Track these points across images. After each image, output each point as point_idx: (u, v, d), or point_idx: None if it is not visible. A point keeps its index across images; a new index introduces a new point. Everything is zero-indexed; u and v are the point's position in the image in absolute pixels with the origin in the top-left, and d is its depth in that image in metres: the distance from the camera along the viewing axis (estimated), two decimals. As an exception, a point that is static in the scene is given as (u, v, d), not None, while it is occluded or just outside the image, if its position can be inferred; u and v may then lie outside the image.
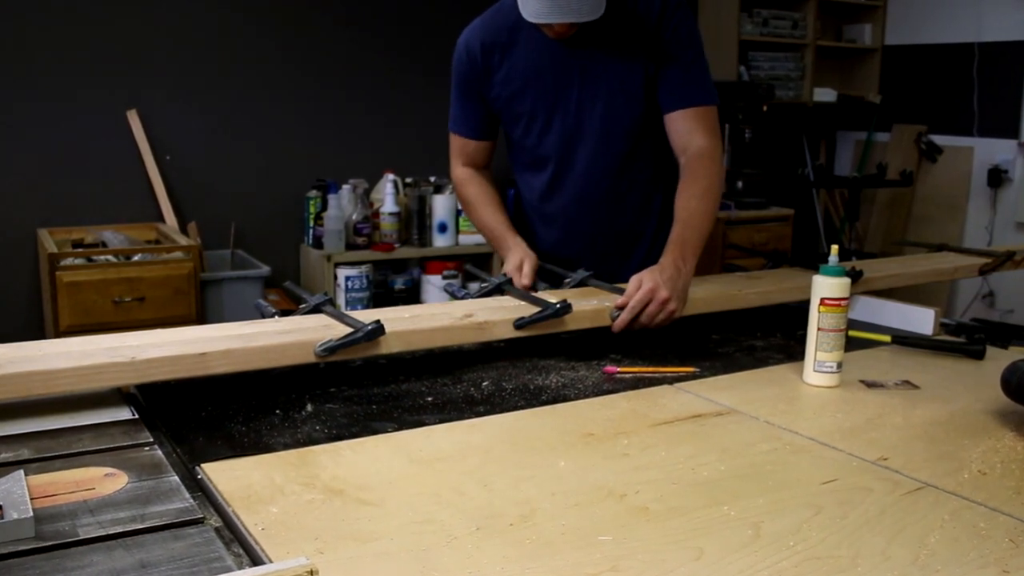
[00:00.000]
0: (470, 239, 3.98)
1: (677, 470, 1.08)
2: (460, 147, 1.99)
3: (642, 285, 1.60)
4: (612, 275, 1.80)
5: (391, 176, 3.88)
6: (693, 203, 1.75)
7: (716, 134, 1.83)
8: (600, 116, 1.84)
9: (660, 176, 1.96)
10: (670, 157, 1.89)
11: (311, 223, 3.85)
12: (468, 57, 1.88)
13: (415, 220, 3.94)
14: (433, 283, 3.97)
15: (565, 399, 1.35)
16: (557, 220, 1.98)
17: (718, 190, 1.81)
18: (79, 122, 3.50)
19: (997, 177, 4.54)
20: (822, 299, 1.42)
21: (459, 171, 2.02)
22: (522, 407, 1.31)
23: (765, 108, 4.66)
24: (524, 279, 1.77)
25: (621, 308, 1.60)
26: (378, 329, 1.37)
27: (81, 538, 0.86)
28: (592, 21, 1.67)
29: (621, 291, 1.66)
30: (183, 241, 3.32)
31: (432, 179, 4.00)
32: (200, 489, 1.00)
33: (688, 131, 1.81)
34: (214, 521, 0.92)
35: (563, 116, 1.86)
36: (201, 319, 3.22)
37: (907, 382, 1.46)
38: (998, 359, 1.55)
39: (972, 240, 4.59)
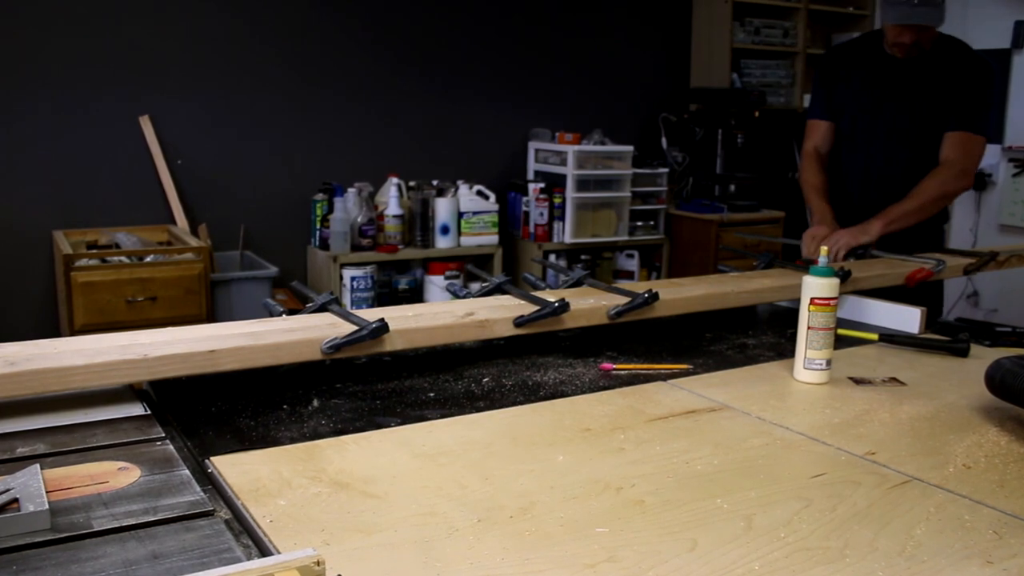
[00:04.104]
0: (471, 240, 3.98)
1: (672, 464, 1.08)
2: (814, 127, 2.58)
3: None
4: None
5: (395, 180, 3.88)
6: (925, 185, 2.34)
7: (970, 157, 2.38)
8: (906, 128, 2.43)
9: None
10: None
11: (318, 225, 3.85)
12: (829, 64, 2.59)
13: (418, 222, 3.93)
14: (435, 283, 3.96)
15: (563, 395, 1.35)
16: (855, 183, 2.54)
17: (941, 189, 2.35)
18: (93, 128, 3.50)
19: (981, 181, 4.54)
20: (812, 299, 1.42)
21: (809, 148, 2.58)
22: (521, 403, 1.31)
23: (757, 114, 4.65)
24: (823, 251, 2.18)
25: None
26: (382, 327, 1.37)
27: (95, 530, 0.86)
28: (920, 59, 2.36)
29: (617, 291, 1.66)
30: (194, 243, 3.32)
31: (435, 183, 3.99)
32: (210, 482, 1.00)
33: (951, 147, 2.36)
34: (224, 513, 0.92)
35: (879, 120, 2.47)
36: (211, 318, 3.22)
37: (894, 379, 1.46)
38: (982, 357, 1.55)
39: (957, 241, 4.58)
